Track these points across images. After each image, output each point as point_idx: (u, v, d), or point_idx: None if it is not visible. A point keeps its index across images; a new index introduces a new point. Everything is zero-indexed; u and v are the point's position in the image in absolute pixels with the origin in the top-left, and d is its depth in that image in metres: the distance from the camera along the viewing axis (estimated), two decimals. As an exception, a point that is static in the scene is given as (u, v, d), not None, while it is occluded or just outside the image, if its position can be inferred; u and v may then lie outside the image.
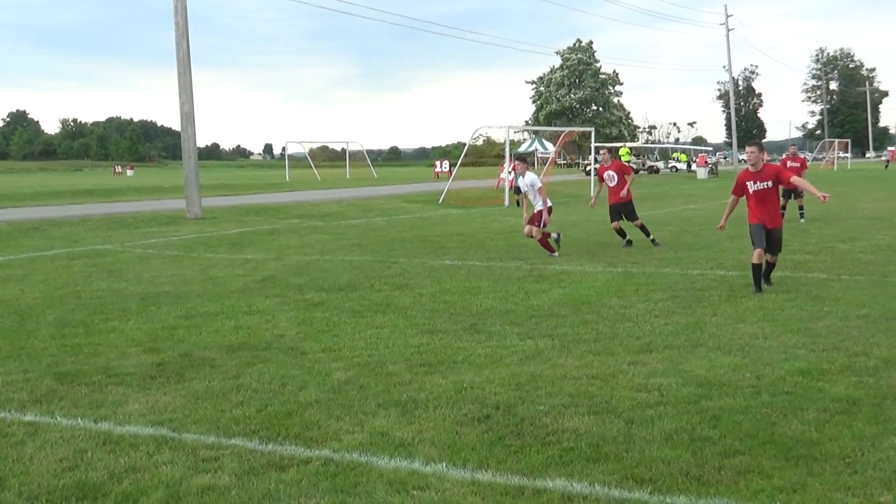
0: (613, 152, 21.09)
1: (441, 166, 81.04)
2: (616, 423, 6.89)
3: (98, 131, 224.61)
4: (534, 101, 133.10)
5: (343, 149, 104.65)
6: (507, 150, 42.31)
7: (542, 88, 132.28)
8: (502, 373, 8.51)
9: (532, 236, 18.01)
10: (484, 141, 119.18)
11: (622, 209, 19.58)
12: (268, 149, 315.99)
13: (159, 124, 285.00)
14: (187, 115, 31.62)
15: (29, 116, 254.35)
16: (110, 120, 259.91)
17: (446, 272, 15.70)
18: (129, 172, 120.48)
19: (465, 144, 65.21)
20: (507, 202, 37.89)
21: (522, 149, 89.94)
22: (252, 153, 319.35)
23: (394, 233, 24.52)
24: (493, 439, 6.59)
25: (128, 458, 6.32)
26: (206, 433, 6.83)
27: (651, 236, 19.66)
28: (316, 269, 16.56)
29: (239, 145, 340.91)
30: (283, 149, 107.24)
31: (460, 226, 26.91)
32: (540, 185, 18.03)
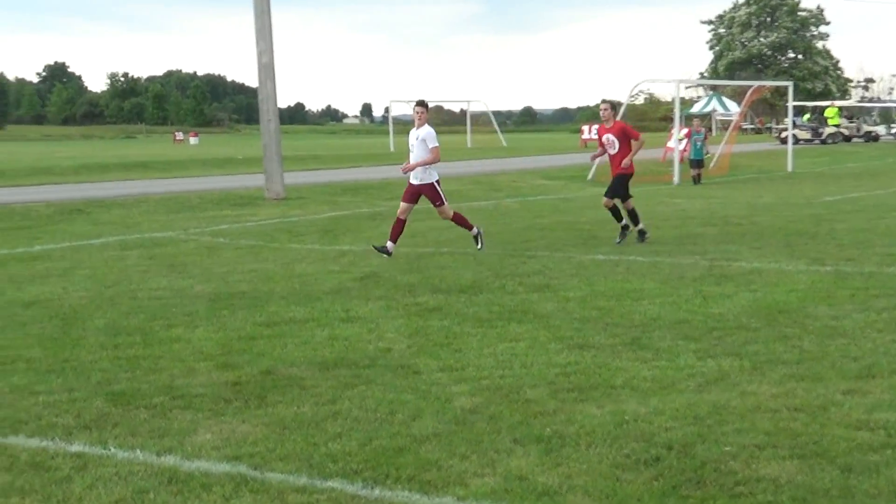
0: (617, 108, 20.43)
1: (589, 132, 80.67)
2: (829, 472, 6.77)
3: (154, 89, 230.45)
4: (711, 47, 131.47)
5: (463, 110, 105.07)
6: (677, 111, 41.94)
7: (721, 30, 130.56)
8: (675, 402, 8.44)
9: (446, 219, 18.18)
10: (646, 99, 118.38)
11: (616, 182, 19.40)
12: (366, 110, 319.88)
13: (229, 80, 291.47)
14: (266, 68, 32.16)
15: (69, 70, 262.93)
16: (169, 74, 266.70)
17: (599, 270, 15.65)
18: (193, 140, 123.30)
19: (620, 104, 64.76)
20: (677, 178, 37.59)
21: (696, 108, 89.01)
22: (346, 115, 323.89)
23: (530, 219, 24.53)
24: (664, 489, 6.55)
25: (198, 501, 6.48)
26: (296, 472, 6.95)
27: (640, 225, 19.42)
28: (430, 264, 16.68)
29: (329, 106, 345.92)
30: (386, 110, 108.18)
31: (616, 210, 26.69)
32: (435, 144, 17.66)
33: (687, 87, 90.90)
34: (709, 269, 15.47)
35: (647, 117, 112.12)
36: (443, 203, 17.88)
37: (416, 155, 17.65)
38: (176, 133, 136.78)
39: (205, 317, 12.50)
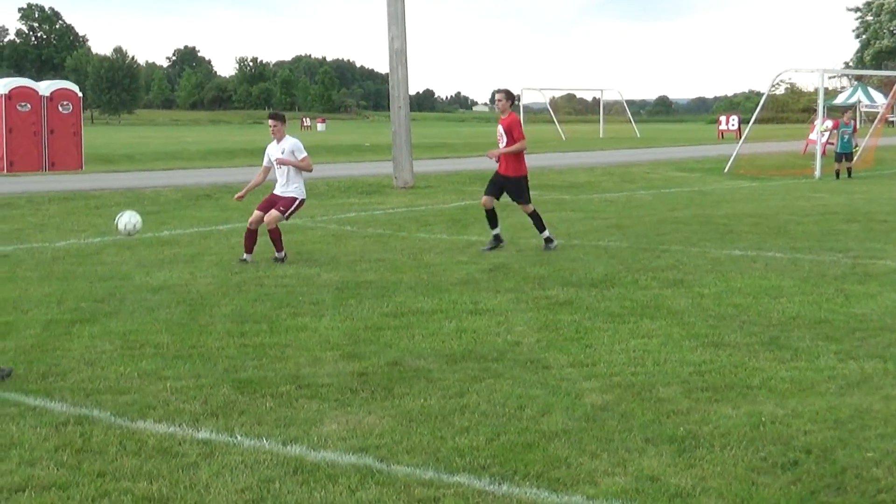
0: (513, 97, 18.05)
1: (727, 123, 79.83)
2: (977, 482, 6.62)
3: (282, 74, 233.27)
4: (857, 36, 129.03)
5: (595, 98, 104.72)
6: (821, 101, 41.20)
7: (869, 18, 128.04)
8: (815, 405, 8.33)
9: (267, 225, 16.35)
10: (787, 89, 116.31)
11: (505, 183, 17.86)
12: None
13: (358, 65, 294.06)
14: (398, 54, 32.36)
15: (199, 55, 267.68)
16: (297, 60, 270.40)
17: (735, 266, 15.49)
18: (321, 126, 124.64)
19: (760, 94, 63.77)
20: (818, 172, 36.94)
21: (840, 100, 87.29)
22: (475, 103, 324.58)
23: (664, 211, 24.35)
24: (802, 494, 6.47)
25: (324, 492, 6.56)
26: (423, 466, 7.01)
27: (545, 232, 17.87)
28: (561, 256, 16.66)
29: (459, 93, 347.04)
30: (517, 98, 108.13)
31: (754, 204, 26.44)
32: (305, 154, 16.64)
33: (830, 77, 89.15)
34: (851, 268, 15.20)
35: (788, 108, 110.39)
36: (285, 213, 16.58)
37: (285, 171, 16.75)
38: (304, 119, 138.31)
39: (331, 306, 12.65)
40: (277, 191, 16.68)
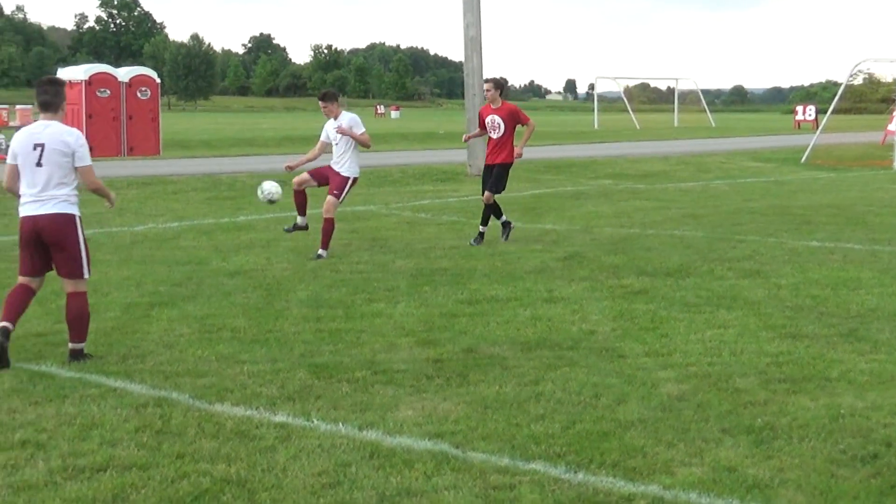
0: (503, 86, 17.33)
1: (804, 113, 78.93)
2: None
3: (357, 61, 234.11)
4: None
5: (670, 88, 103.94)
6: (900, 91, 40.61)
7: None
8: (895, 397, 8.25)
9: (325, 213, 16.02)
10: (865, 80, 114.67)
11: (499, 172, 17.27)
12: (570, 86, 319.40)
13: (432, 53, 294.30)
14: (473, 42, 32.35)
15: (274, 42, 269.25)
16: (372, 47, 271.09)
17: (813, 256, 15.33)
18: (394, 114, 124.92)
19: (838, 84, 62.86)
20: (897, 163, 36.44)
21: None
22: (549, 91, 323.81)
23: (739, 201, 24.16)
24: (882, 487, 6.41)
25: (400, 477, 6.59)
26: (498, 453, 7.01)
27: (503, 218, 17.43)
28: (636, 245, 16.58)
29: (532, 81, 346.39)
30: (591, 86, 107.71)
31: (832, 194, 26.15)
32: (363, 129, 16.20)
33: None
34: (932, 260, 14.99)
35: (866, 98, 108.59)
36: (339, 197, 16.27)
37: (343, 149, 16.33)
38: (378, 106, 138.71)
39: (406, 292, 12.69)
40: (333, 164, 16.33)
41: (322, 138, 16.55)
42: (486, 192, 17.18)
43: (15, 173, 9.56)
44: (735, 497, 6.24)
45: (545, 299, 12.23)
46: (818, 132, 43.69)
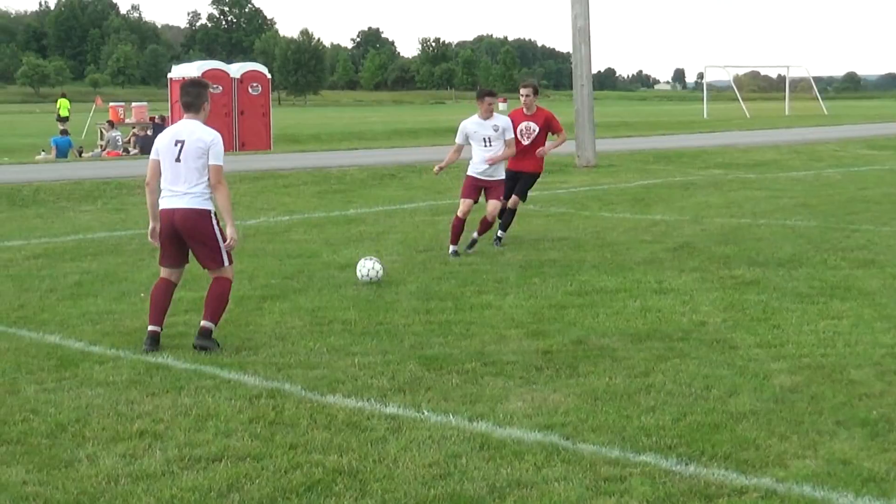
0: (538, 91, 16.40)
1: (919, 99, 77.39)
2: None
3: (464, 54, 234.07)
4: None
5: (781, 75, 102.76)
6: None
7: None
8: None
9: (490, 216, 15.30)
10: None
11: (522, 176, 16.25)
12: (678, 75, 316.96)
13: (539, 44, 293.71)
14: (581, 32, 32.22)
15: (383, 36, 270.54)
16: (479, 40, 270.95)
17: (930, 246, 15.04)
18: (502, 106, 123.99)
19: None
20: None
21: None
22: (657, 81, 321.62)
23: (853, 190, 23.77)
24: None
25: (511, 468, 6.60)
26: (609, 445, 6.99)
27: (501, 233, 16.16)
28: (747, 236, 16.40)
29: (640, 71, 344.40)
30: (700, 75, 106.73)
31: (948, 182, 25.58)
32: (513, 135, 15.34)
33: None
34: None
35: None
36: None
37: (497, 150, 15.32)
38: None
39: (515, 284, 12.68)
40: (480, 173, 15.32)
41: (460, 140, 15.57)
42: (514, 197, 16.07)
43: (156, 168, 9.98)
44: (850, 490, 6.15)
45: (655, 290, 12.15)
46: (934, 119, 42.79)
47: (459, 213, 15.24)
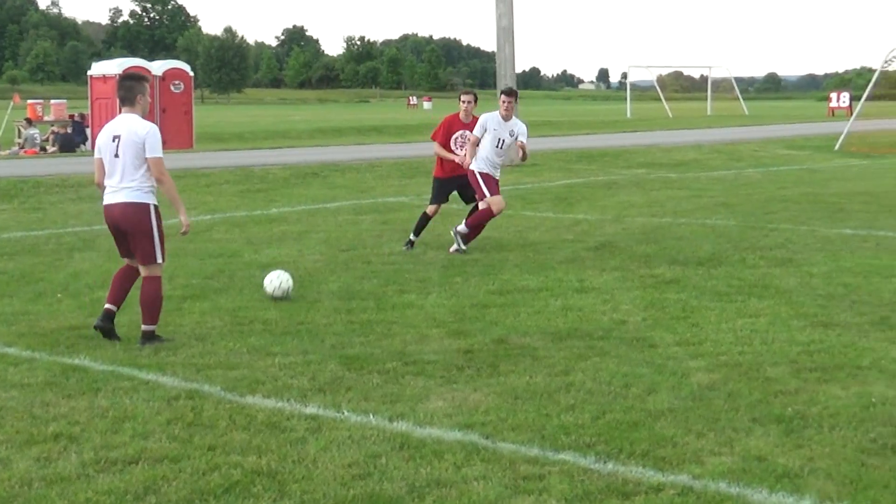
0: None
1: (838, 100, 78.48)
2: None
3: (389, 53, 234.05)
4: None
5: (703, 76, 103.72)
6: (935, 77, 40.31)
7: None
8: (927, 386, 8.20)
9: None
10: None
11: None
12: (602, 75, 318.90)
13: (465, 43, 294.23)
14: (505, 32, 32.33)
15: (307, 34, 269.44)
16: (404, 38, 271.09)
17: (845, 245, 15.27)
18: (427, 105, 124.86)
19: (872, 71, 62.55)
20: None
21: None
22: (582, 80, 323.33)
23: (772, 190, 24.07)
24: (913, 476, 6.37)
25: (430, 468, 6.60)
26: (528, 443, 7.02)
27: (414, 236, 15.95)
28: (668, 235, 16.55)
29: (565, 71, 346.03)
30: (624, 75, 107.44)
31: (865, 182, 26.00)
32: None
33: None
34: (966, 247, 14.90)
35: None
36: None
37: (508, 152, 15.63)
38: (410, 97, 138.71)
39: (437, 283, 12.70)
40: (495, 168, 15.25)
41: (479, 133, 15.06)
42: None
43: (101, 167, 10.03)
44: (765, 486, 6.23)
45: (576, 289, 12.22)
46: (852, 119, 43.46)
47: (496, 211, 15.23)
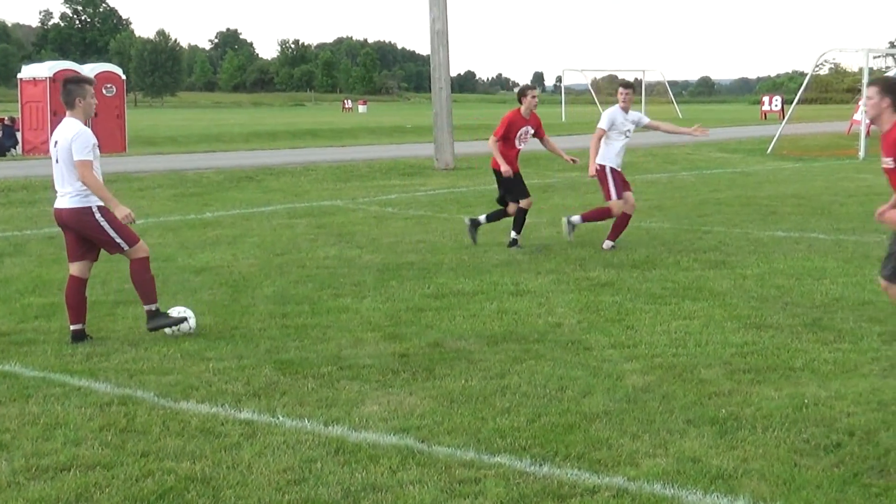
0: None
1: (770, 104, 79.36)
2: None
3: (324, 56, 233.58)
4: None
5: (637, 79, 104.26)
6: (865, 82, 40.81)
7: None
8: (858, 386, 8.30)
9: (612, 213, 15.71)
10: (831, 70, 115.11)
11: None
12: (538, 79, 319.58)
13: (400, 47, 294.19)
14: (439, 35, 32.36)
15: (241, 37, 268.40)
16: (339, 41, 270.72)
17: (778, 247, 15.41)
18: (362, 108, 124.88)
19: (804, 74, 63.24)
20: (862, 152, 36.66)
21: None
22: (517, 84, 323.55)
23: (706, 192, 24.26)
24: (845, 476, 6.44)
25: (365, 472, 6.59)
26: (464, 447, 7.02)
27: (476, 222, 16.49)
28: (603, 238, 16.58)
29: (500, 74, 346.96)
30: (558, 79, 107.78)
31: (797, 184, 26.27)
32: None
33: (875, 57, 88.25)
34: (896, 249, 15.07)
35: (832, 88, 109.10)
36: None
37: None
38: (345, 101, 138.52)
39: (373, 287, 12.68)
40: (619, 165, 15.82)
41: (605, 126, 15.57)
42: (528, 199, 16.10)
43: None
44: (699, 488, 6.28)
45: (511, 292, 12.25)
46: (784, 122, 43.90)
47: (628, 210, 15.76)
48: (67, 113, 10.03)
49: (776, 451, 6.85)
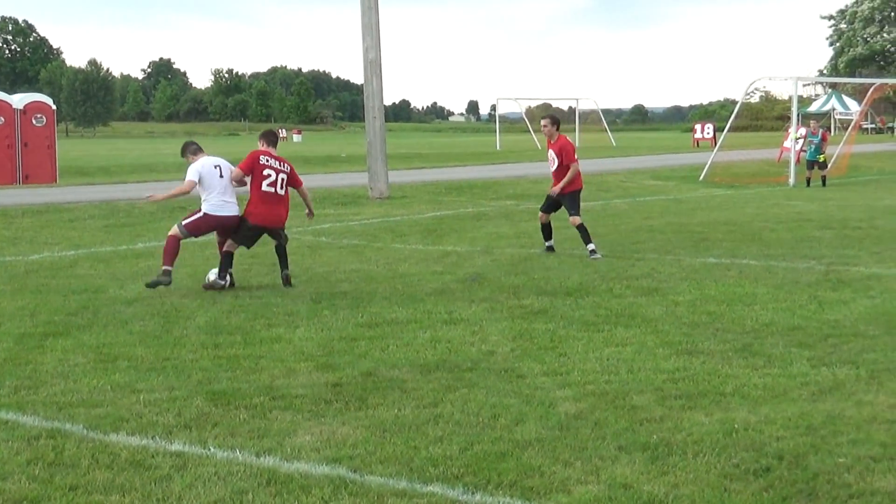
0: (559, 122, 18.79)
1: (702, 131, 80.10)
2: (948, 486, 6.65)
3: (258, 85, 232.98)
4: (831, 44, 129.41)
5: (571, 107, 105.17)
6: (795, 109, 41.37)
7: (842, 25, 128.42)
8: (787, 411, 8.38)
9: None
10: (761, 98, 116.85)
11: (562, 198, 18.31)
12: (472, 108, 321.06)
13: (334, 76, 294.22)
14: (372, 65, 32.39)
15: (174, 67, 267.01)
16: (273, 71, 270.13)
17: (710, 273, 15.55)
18: (297, 137, 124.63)
19: (735, 102, 64.01)
20: (792, 179, 37.10)
21: (815, 107, 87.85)
22: (452, 113, 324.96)
23: (638, 220, 24.43)
24: (774, 500, 6.51)
25: (297, 503, 6.56)
26: (397, 476, 7.02)
27: (591, 245, 17.82)
28: (536, 266, 16.69)
29: (435, 103, 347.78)
30: (493, 108, 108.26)
31: (728, 211, 26.54)
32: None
33: (805, 85, 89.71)
34: (825, 274, 15.27)
35: (763, 116, 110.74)
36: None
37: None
38: (279, 130, 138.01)
39: (306, 317, 12.65)
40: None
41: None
42: (542, 213, 18.68)
43: None
44: (630, 514, 6.31)
45: (445, 321, 12.26)
46: (716, 150, 44.35)
47: None
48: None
49: (706, 477, 6.90)
